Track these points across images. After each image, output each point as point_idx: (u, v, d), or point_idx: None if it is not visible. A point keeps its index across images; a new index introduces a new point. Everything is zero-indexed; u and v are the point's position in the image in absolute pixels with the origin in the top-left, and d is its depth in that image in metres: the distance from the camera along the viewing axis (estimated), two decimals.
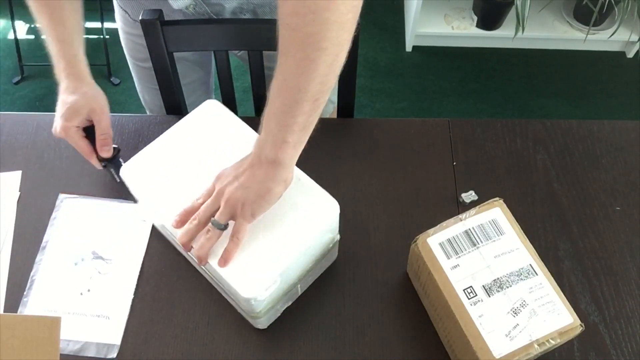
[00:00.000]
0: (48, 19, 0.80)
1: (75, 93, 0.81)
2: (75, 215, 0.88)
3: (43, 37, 0.81)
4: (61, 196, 0.90)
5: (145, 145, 0.95)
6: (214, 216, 0.68)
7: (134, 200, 0.86)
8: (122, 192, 0.88)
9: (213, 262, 0.69)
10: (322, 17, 0.57)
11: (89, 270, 0.83)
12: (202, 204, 0.70)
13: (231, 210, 0.67)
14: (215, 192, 0.69)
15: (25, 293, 0.81)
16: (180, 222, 0.70)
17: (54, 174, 0.92)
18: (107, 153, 0.85)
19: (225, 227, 0.69)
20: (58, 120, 0.82)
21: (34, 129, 0.97)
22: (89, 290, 0.82)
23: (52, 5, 0.80)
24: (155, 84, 1.07)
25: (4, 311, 0.80)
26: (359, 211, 0.89)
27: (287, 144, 0.65)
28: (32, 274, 0.83)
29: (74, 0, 0.83)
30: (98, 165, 0.86)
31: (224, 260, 0.68)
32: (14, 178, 0.92)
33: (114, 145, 0.86)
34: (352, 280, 0.83)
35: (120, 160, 0.87)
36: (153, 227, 0.86)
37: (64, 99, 0.82)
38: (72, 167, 0.93)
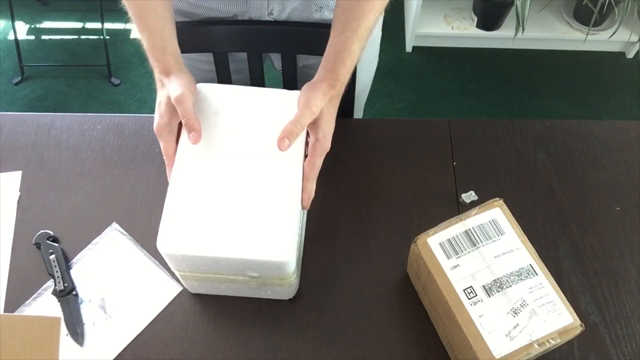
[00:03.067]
0: (139, 7, 0.76)
1: (162, 89, 0.75)
2: (112, 252, 0.85)
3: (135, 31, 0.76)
4: (114, 225, 0.87)
5: (145, 145, 0.95)
6: None
7: (169, 272, 0.84)
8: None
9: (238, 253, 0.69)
10: None
11: (89, 315, 0.80)
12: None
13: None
14: (324, 150, 0.73)
15: (28, 302, 0.81)
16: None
17: (54, 174, 0.92)
18: (194, 139, 0.72)
19: None
20: (155, 118, 0.74)
21: (34, 129, 0.97)
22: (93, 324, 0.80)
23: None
24: None
25: (4, 311, 0.80)
26: (360, 211, 0.89)
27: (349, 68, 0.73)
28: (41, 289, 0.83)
29: None
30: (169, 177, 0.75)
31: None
32: (14, 178, 0.92)
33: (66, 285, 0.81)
34: (352, 280, 0.83)
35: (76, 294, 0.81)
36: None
37: (157, 96, 0.76)
38: (72, 167, 0.93)
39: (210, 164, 0.73)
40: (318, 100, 0.71)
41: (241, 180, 0.72)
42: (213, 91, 0.78)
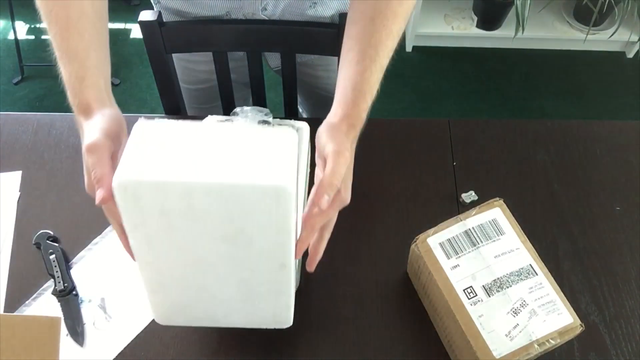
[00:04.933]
0: (63, 28, 0.63)
1: (85, 132, 0.61)
2: (112, 252, 0.84)
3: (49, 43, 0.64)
4: None
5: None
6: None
7: None
8: None
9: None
10: None
11: (89, 315, 0.80)
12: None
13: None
14: (341, 203, 0.62)
15: (28, 302, 0.81)
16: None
17: (54, 174, 0.92)
18: (98, 198, 0.55)
19: None
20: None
21: (34, 129, 0.97)
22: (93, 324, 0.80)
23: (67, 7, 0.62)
24: (199, 103, 1.11)
25: (4, 311, 0.80)
26: (359, 211, 0.89)
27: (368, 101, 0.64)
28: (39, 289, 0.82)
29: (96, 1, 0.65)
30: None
31: (313, 261, 0.62)
32: (14, 178, 0.92)
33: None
34: (352, 280, 0.83)
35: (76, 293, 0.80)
36: None
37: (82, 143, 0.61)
38: (72, 167, 0.93)
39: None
40: (347, 144, 0.61)
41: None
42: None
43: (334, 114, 0.64)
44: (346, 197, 0.62)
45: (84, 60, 0.62)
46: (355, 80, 0.63)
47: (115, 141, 0.59)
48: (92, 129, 0.58)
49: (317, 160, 0.62)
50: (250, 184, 0.50)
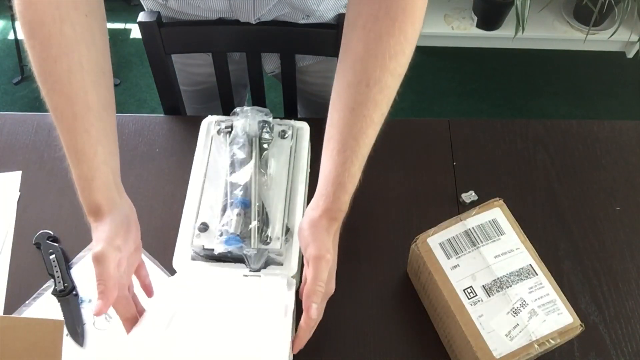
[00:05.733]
0: (70, 127, 0.61)
1: (94, 235, 0.63)
2: None
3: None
4: None
5: (145, 145, 0.95)
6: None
7: (169, 272, 0.83)
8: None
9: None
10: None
11: (89, 315, 0.80)
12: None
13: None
14: (327, 295, 0.68)
15: (28, 302, 0.81)
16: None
17: (54, 174, 0.92)
18: (97, 308, 0.60)
19: None
20: None
21: (34, 129, 0.97)
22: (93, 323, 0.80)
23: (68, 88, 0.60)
24: (197, 103, 1.11)
25: (4, 312, 0.80)
26: (359, 211, 0.89)
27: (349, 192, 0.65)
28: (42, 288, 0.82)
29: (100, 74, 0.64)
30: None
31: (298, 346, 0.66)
32: (14, 178, 0.92)
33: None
34: (352, 280, 0.83)
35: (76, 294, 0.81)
36: None
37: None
38: None
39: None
40: (328, 244, 0.64)
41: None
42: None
43: (316, 206, 0.65)
44: (331, 289, 0.68)
45: (92, 159, 0.62)
46: (337, 172, 0.64)
47: (123, 245, 0.63)
48: (99, 238, 0.61)
49: (304, 260, 0.66)
50: None
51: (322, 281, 0.63)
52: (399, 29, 0.59)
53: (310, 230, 0.64)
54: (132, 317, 0.66)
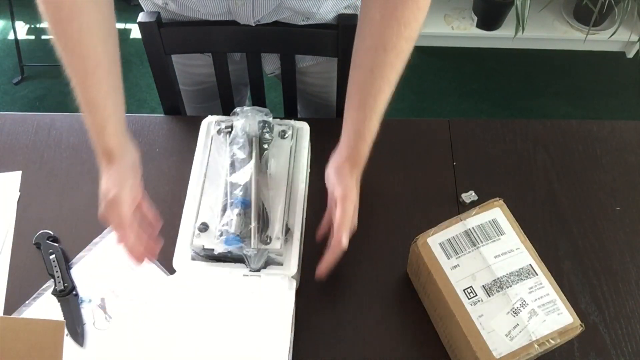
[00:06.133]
0: (82, 79, 0.68)
1: (105, 177, 0.71)
2: (112, 252, 0.84)
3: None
4: None
5: (145, 145, 0.95)
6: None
7: (169, 272, 0.82)
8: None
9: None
10: None
11: (89, 315, 0.80)
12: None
13: None
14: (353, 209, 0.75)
15: (28, 302, 0.81)
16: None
17: (54, 174, 0.92)
18: (135, 256, 0.71)
19: None
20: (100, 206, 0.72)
21: (34, 129, 0.97)
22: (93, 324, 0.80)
23: (81, 52, 0.67)
24: (197, 103, 1.13)
25: (4, 312, 0.80)
26: (359, 211, 0.89)
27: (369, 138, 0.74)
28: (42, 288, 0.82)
29: (108, 44, 0.70)
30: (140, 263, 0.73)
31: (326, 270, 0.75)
32: (14, 178, 0.92)
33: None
34: (352, 280, 0.83)
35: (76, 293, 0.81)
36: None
37: (101, 182, 0.71)
38: (72, 167, 0.93)
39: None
40: (352, 185, 0.75)
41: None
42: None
43: (339, 155, 0.77)
44: (355, 224, 0.77)
45: (103, 110, 0.70)
46: (357, 126, 0.74)
47: (134, 185, 0.73)
48: (113, 182, 0.70)
49: (330, 202, 0.77)
50: None
51: (349, 216, 0.73)
52: (413, 0, 0.65)
53: (336, 175, 0.76)
54: (142, 253, 0.72)
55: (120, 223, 0.70)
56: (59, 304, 0.80)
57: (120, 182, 0.70)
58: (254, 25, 0.91)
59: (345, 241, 0.73)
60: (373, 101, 0.72)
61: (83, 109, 0.70)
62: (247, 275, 0.73)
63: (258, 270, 0.73)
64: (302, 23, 0.93)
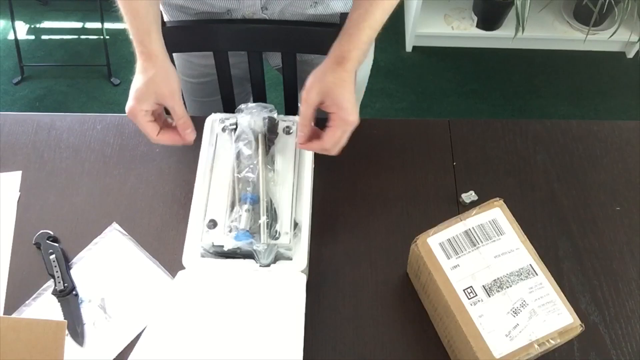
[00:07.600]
0: None
1: (145, 74, 0.76)
2: (113, 252, 0.85)
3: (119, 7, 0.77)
4: (114, 225, 0.87)
5: (145, 145, 0.95)
6: None
7: (169, 272, 0.83)
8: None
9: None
10: None
11: (89, 315, 0.80)
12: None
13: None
14: (343, 122, 0.74)
15: (28, 302, 0.81)
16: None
17: (54, 174, 0.92)
18: (190, 136, 0.79)
19: None
20: (129, 101, 0.77)
21: (34, 129, 0.97)
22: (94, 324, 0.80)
23: None
24: (199, 97, 1.13)
25: (4, 312, 0.80)
26: (359, 211, 0.89)
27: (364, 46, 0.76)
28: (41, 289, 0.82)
29: None
30: (166, 141, 0.80)
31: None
32: (14, 178, 0.92)
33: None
34: (352, 280, 0.83)
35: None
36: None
37: (136, 78, 0.77)
38: (72, 167, 0.93)
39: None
40: (314, 89, 0.75)
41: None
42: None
43: (326, 60, 0.77)
44: (344, 116, 0.74)
45: (146, 17, 0.77)
46: (347, 27, 0.76)
47: (178, 83, 0.79)
48: (167, 78, 0.77)
49: (305, 102, 0.76)
50: None
51: (304, 119, 0.76)
52: None
53: (309, 78, 0.76)
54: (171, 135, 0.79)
55: (183, 118, 0.77)
56: (59, 304, 0.80)
57: (172, 77, 0.77)
58: (261, 12, 0.91)
59: (334, 153, 0.76)
60: (369, 4, 0.75)
61: (127, 19, 0.77)
62: (257, 271, 0.72)
63: (268, 266, 0.73)
64: (311, 10, 0.93)
